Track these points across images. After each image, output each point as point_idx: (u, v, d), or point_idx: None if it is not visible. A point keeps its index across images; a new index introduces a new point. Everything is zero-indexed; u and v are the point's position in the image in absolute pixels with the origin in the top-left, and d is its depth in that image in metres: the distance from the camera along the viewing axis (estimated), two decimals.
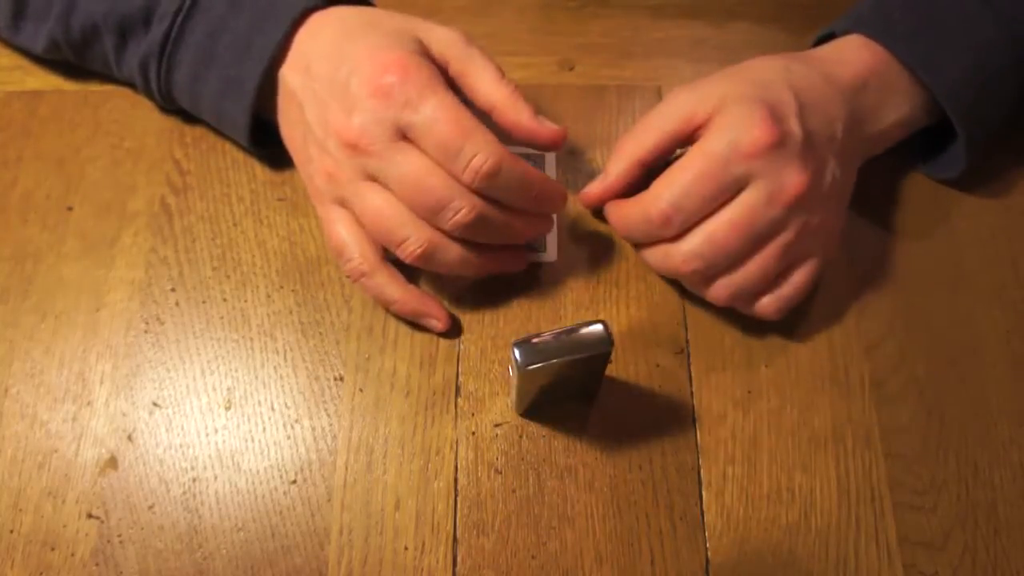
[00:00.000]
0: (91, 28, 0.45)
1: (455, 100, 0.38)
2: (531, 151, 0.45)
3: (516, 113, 0.41)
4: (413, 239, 0.39)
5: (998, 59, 0.43)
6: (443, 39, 0.42)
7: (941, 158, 0.46)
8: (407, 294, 0.42)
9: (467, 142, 0.37)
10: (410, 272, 0.43)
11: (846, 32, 0.44)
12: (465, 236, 0.40)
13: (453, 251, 0.40)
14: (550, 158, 0.48)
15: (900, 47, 0.43)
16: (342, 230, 0.42)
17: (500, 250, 0.42)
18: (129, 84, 0.48)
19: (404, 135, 0.38)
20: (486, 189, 0.38)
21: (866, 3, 0.45)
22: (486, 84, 0.41)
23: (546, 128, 0.41)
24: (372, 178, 0.40)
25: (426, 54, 0.41)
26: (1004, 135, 0.47)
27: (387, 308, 0.43)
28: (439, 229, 0.40)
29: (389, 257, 0.42)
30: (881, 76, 0.43)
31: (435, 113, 0.38)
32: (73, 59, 0.48)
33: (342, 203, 0.42)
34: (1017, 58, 0.43)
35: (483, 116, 0.40)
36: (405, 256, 0.40)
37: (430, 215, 0.39)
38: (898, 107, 0.43)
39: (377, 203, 0.39)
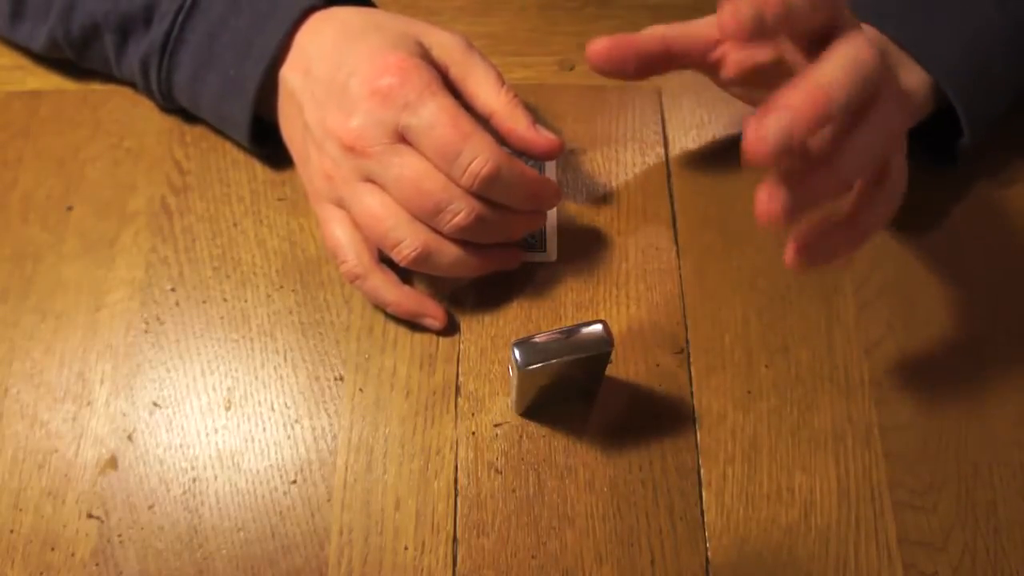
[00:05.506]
0: (92, 27, 0.45)
1: (454, 103, 0.38)
2: None
3: (514, 121, 0.41)
4: (408, 241, 0.39)
5: (995, 36, 0.43)
6: (444, 43, 0.42)
7: (944, 145, 0.46)
8: (402, 295, 0.42)
9: (466, 145, 0.37)
10: (407, 272, 0.43)
11: None
12: (462, 237, 0.40)
13: (449, 252, 0.40)
14: None
15: (893, 27, 0.43)
16: (338, 231, 0.42)
17: (494, 249, 0.42)
18: (129, 83, 0.48)
19: (402, 137, 0.38)
20: (484, 192, 0.38)
21: None
22: (486, 90, 0.41)
23: (542, 138, 0.41)
24: (369, 179, 0.40)
25: (427, 57, 0.41)
26: (1005, 133, 0.47)
27: (383, 309, 0.43)
28: (435, 231, 0.40)
29: (383, 258, 0.42)
30: (886, 56, 0.43)
31: (434, 116, 0.38)
32: (73, 58, 0.48)
33: (339, 204, 0.41)
34: (1015, 35, 0.43)
35: (482, 121, 0.40)
36: (400, 259, 0.40)
37: (428, 217, 0.39)
38: (905, 85, 0.43)
39: (373, 205, 0.39)
